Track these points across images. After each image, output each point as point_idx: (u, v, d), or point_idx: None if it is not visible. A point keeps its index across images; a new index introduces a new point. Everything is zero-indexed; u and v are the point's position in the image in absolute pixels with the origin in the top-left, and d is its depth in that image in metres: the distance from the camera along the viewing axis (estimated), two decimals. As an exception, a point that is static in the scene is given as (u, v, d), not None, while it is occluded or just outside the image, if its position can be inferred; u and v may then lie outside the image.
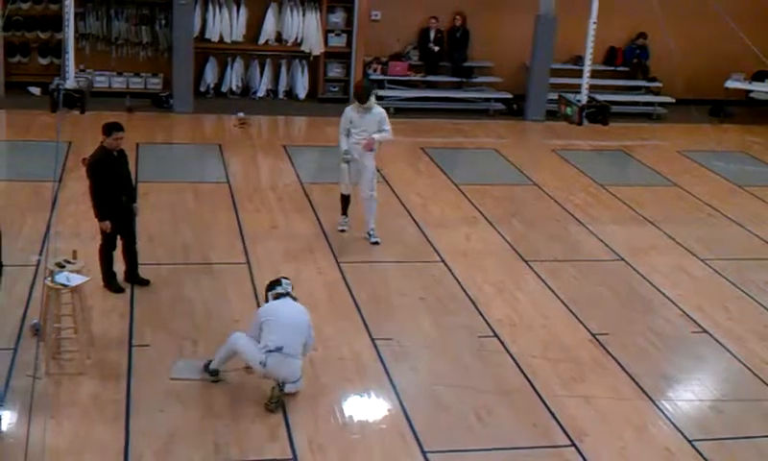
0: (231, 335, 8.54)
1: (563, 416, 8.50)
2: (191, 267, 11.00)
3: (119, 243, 10.16)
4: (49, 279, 8.61)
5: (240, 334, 8.49)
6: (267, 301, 8.64)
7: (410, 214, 13.23)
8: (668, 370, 9.59)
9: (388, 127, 11.95)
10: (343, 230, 12.36)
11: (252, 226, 12.33)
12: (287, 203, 13.35)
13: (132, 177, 10.81)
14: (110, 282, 10.13)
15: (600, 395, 8.92)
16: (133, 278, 10.29)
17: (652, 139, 18.54)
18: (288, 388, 8.31)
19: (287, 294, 8.56)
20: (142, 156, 14.49)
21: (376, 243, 12.06)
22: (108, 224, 9.88)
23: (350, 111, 11.96)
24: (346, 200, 12.32)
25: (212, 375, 8.57)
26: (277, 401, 8.21)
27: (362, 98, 11.84)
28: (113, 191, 9.86)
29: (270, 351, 8.20)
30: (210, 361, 8.64)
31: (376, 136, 11.84)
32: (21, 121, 16.11)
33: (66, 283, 8.58)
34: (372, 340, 9.61)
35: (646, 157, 17.02)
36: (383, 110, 12.12)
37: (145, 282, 10.31)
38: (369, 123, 11.86)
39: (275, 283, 8.69)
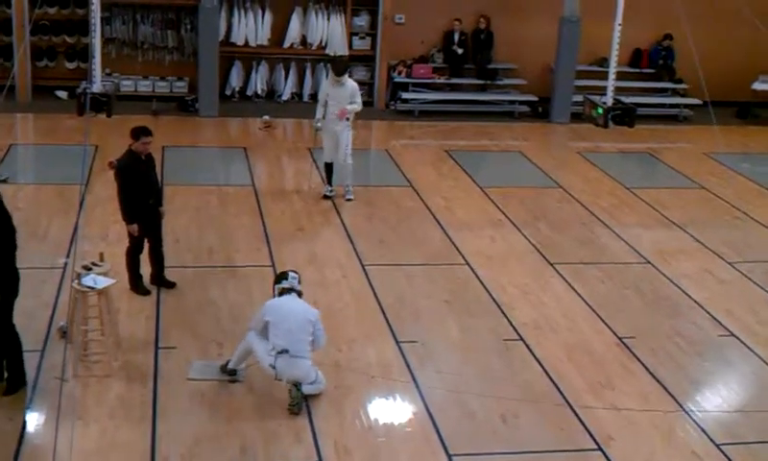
0: (247, 334, 8.55)
1: (589, 420, 8.46)
2: (216, 270, 11.04)
3: (146, 246, 10.22)
4: (76, 281, 8.67)
5: (253, 335, 8.49)
6: (274, 293, 8.60)
7: (435, 217, 13.21)
8: (695, 374, 9.52)
9: (359, 99, 13.29)
10: (327, 197, 13.44)
11: (277, 229, 12.36)
12: (312, 206, 13.37)
13: (159, 180, 10.85)
14: (137, 285, 10.18)
15: (627, 399, 8.86)
16: (160, 280, 10.34)
17: (678, 141, 18.42)
18: (306, 389, 8.31)
19: (292, 290, 8.49)
20: (168, 159, 14.56)
21: (350, 200, 13.40)
22: (135, 227, 9.95)
23: (326, 84, 13.41)
24: (329, 168, 13.51)
25: (230, 374, 8.60)
26: (298, 403, 8.20)
27: (339, 71, 13.07)
28: (141, 194, 9.92)
29: (278, 352, 8.22)
30: (228, 361, 8.66)
31: (349, 107, 13.11)
32: (48, 125, 16.25)
33: (93, 286, 8.63)
34: (398, 343, 9.60)
35: (672, 160, 16.91)
36: (355, 84, 13.47)
37: (171, 285, 10.37)
38: (342, 95, 13.09)
39: (281, 277, 8.64)
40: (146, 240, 10.17)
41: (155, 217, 10.18)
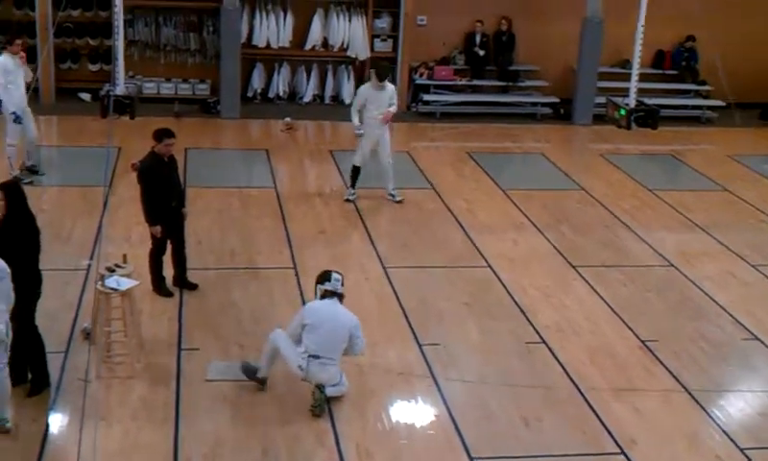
0: (271, 335, 8.50)
1: (612, 423, 8.42)
2: (239, 272, 11.07)
3: (168, 247, 10.26)
4: (100, 283, 8.71)
5: (280, 333, 8.46)
6: (316, 293, 8.57)
7: (456, 219, 13.19)
8: (719, 377, 9.46)
9: (396, 100, 13.42)
10: (349, 201, 13.41)
11: (298, 231, 12.38)
12: (334, 208, 13.38)
13: (181, 182, 10.90)
14: (160, 286, 10.22)
15: (650, 402, 8.82)
16: (182, 282, 10.38)
17: (701, 143, 18.31)
18: (329, 391, 8.33)
19: (334, 293, 8.45)
20: (190, 161, 14.62)
21: (400, 202, 13.45)
22: (158, 228, 9.99)
23: (367, 90, 13.33)
24: (357, 172, 13.49)
25: (262, 384, 8.53)
26: (320, 405, 8.21)
27: (382, 76, 13.19)
28: (164, 196, 9.96)
29: (310, 356, 8.23)
30: (247, 363, 8.64)
31: (392, 109, 13.21)
32: (72, 127, 16.35)
33: (116, 287, 8.68)
34: (420, 346, 9.59)
35: (695, 162, 16.81)
36: (393, 86, 13.62)
37: (193, 287, 10.40)
38: (383, 99, 13.18)
39: (324, 277, 8.51)
40: (169, 242, 10.22)
41: (177, 219, 10.23)
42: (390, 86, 13.39)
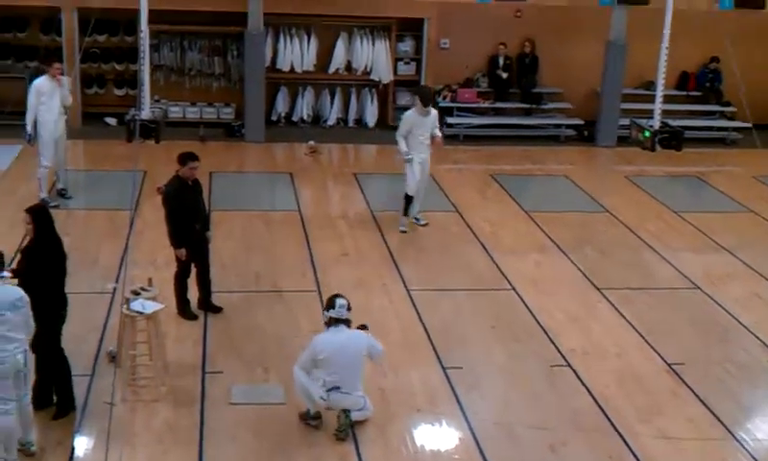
0: (295, 375, 8.34)
1: (638, 448, 8.35)
2: (263, 294, 11.10)
3: (193, 270, 10.30)
4: (125, 306, 8.76)
5: (298, 371, 8.30)
6: (324, 320, 8.47)
7: (480, 241, 13.17)
8: (747, 401, 9.37)
9: (438, 124, 13.40)
10: (404, 232, 13.16)
11: (322, 254, 12.39)
12: (357, 230, 13.39)
13: (206, 205, 10.94)
14: (184, 310, 10.26)
15: (676, 426, 8.74)
16: (207, 305, 10.41)
17: (726, 165, 18.21)
18: (355, 416, 8.31)
19: (339, 320, 8.27)
20: (215, 184, 14.69)
21: (425, 225, 13.43)
22: (183, 251, 10.04)
23: (413, 115, 13.19)
24: (410, 200, 13.30)
25: (317, 418, 8.38)
26: (345, 429, 8.19)
27: (426, 101, 13.16)
28: (188, 220, 10.01)
29: (328, 390, 8.20)
30: (307, 411, 8.44)
31: (438, 133, 13.27)
32: (98, 151, 16.48)
33: (142, 311, 8.72)
34: (443, 369, 9.56)
35: (721, 184, 16.72)
36: (436, 111, 13.49)
37: (218, 310, 10.43)
38: (427, 124, 13.15)
39: (329, 305, 8.34)
40: (193, 265, 10.26)
41: (202, 242, 10.27)
42: (434, 111, 13.33)
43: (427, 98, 13.26)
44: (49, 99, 13.24)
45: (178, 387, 8.90)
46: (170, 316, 9.97)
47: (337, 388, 8.20)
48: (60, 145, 13.60)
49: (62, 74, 13.59)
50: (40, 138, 13.32)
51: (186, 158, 10.00)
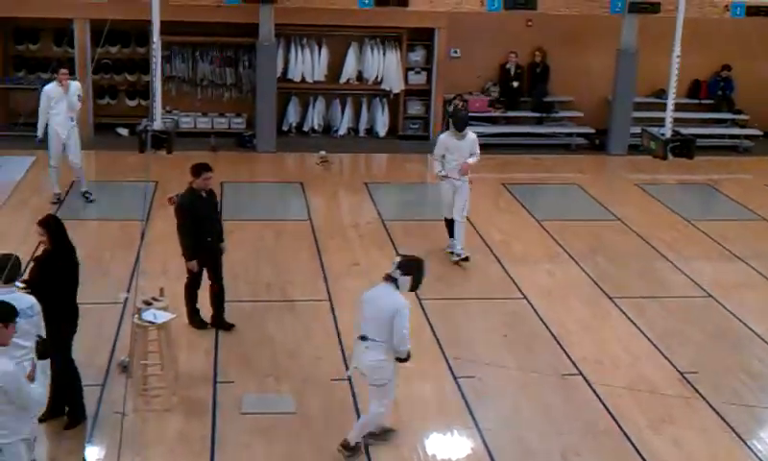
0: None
1: (651, 457, 8.32)
2: (274, 304, 11.10)
3: (206, 283, 10.29)
4: (136, 316, 8.77)
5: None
6: None
7: (491, 251, 13.15)
8: (759, 409, 9.31)
9: (478, 150, 12.70)
10: (451, 253, 12.68)
11: (333, 263, 12.39)
12: (368, 240, 13.39)
13: (220, 217, 10.93)
14: (194, 318, 10.27)
15: (689, 435, 8.70)
16: (220, 322, 10.34)
17: (738, 173, 18.15)
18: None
19: (389, 277, 8.12)
20: (226, 194, 14.72)
21: (466, 259, 12.53)
22: (194, 263, 10.04)
23: (447, 138, 12.72)
24: (450, 223, 12.77)
25: (387, 432, 8.43)
26: (351, 456, 8.10)
27: (460, 127, 12.61)
28: (201, 231, 10.01)
29: (359, 337, 8.10)
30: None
31: (470, 160, 12.55)
32: (110, 161, 16.53)
33: (153, 321, 8.74)
34: (455, 378, 9.54)
35: (733, 191, 16.65)
36: (475, 135, 12.82)
37: (230, 327, 10.37)
38: (464, 148, 12.56)
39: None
40: (207, 277, 10.25)
41: (214, 254, 10.26)
42: (471, 135, 12.68)
43: (459, 124, 12.66)
44: (57, 104, 13.73)
45: (189, 397, 8.91)
46: (181, 326, 9.98)
47: (364, 338, 8.03)
48: (73, 150, 14.01)
49: (69, 79, 13.95)
50: (49, 140, 13.87)
51: (200, 170, 10.01)
